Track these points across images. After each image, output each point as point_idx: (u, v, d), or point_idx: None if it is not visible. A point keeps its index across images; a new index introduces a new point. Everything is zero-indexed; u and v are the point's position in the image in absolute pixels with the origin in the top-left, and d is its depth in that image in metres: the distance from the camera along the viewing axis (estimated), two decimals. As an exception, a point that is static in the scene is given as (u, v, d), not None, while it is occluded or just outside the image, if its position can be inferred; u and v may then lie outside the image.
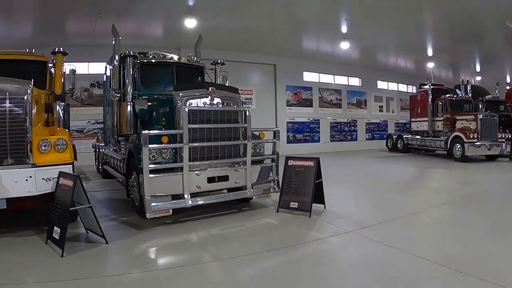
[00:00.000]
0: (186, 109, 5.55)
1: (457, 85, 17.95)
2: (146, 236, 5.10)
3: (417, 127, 18.05)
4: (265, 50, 17.83)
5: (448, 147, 15.13)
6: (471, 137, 14.01)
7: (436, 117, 16.41)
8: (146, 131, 5.30)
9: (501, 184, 9.54)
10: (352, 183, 10.05)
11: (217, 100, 6.04)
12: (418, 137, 17.76)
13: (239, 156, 6.28)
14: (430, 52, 17.98)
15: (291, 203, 6.08)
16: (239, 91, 6.81)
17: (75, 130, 13.86)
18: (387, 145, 20.48)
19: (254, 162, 6.53)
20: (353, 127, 21.76)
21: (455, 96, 16.58)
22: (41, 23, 12.59)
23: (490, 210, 6.51)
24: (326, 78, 21.24)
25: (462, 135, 14.31)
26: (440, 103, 16.18)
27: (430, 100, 16.57)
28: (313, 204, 5.92)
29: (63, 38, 13.29)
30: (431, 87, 16.87)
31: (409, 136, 18.56)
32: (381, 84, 23.39)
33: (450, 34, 15.56)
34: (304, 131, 20.38)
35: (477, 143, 13.97)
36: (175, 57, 8.11)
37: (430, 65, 19.34)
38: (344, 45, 16.27)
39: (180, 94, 5.88)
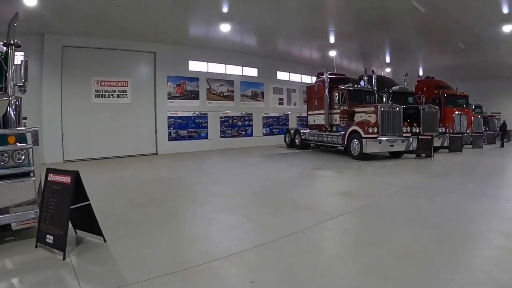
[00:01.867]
0: None
1: (362, 76, 16.49)
2: None
3: (314, 121, 16.29)
4: (143, 36, 15.20)
5: (346, 143, 13.40)
6: (369, 131, 12.26)
7: (333, 109, 14.72)
8: None
9: (395, 197, 7.05)
10: (193, 194, 7.51)
11: None
12: (315, 132, 16.10)
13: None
14: (332, 39, 16.33)
15: (47, 236, 3.95)
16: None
17: None
18: (285, 141, 18.81)
19: (6, 177, 4.12)
20: (247, 122, 19.60)
21: (355, 86, 14.87)
22: None
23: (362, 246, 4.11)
24: (216, 68, 18.50)
25: (359, 130, 12.51)
26: (337, 93, 14.39)
27: (327, 90, 14.81)
28: (94, 235, 4.20)
29: None
30: (329, 76, 15.08)
31: (307, 131, 16.83)
32: (282, 75, 21.50)
33: (355, 19, 13.79)
34: (188, 127, 17.93)
35: (378, 139, 12.33)
36: None
37: (332, 53, 17.88)
38: (224, 27, 14.21)
39: None
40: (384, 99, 15.58)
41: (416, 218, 5.28)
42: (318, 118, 15.85)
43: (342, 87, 14.53)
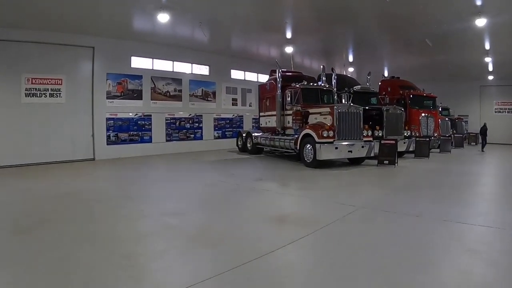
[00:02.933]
0: None
1: (320, 74, 14.95)
2: None
3: (266, 123, 14.16)
4: (79, 28, 13.00)
5: (298, 148, 11.31)
6: (324, 135, 10.21)
7: (286, 110, 12.71)
8: None
9: (345, 225, 5.05)
10: (93, 216, 5.21)
11: None
12: (267, 135, 13.91)
13: None
14: (288, 34, 14.31)
15: None
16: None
17: None
18: (237, 145, 16.67)
19: None
20: (197, 124, 17.31)
21: (312, 84, 12.73)
22: None
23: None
24: (163, 65, 16.23)
25: (313, 133, 10.43)
26: (289, 93, 12.30)
27: (279, 89, 12.69)
28: None
29: None
30: (283, 73, 13.03)
31: (260, 134, 14.65)
32: (236, 74, 19.30)
33: (314, 11, 11.84)
34: (130, 130, 15.52)
35: (334, 143, 10.31)
36: None
37: (289, 49, 15.70)
38: (163, 17, 11.97)
39: None
40: (344, 100, 13.67)
41: (369, 262, 3.25)
42: (270, 120, 13.72)
43: (295, 85, 12.40)
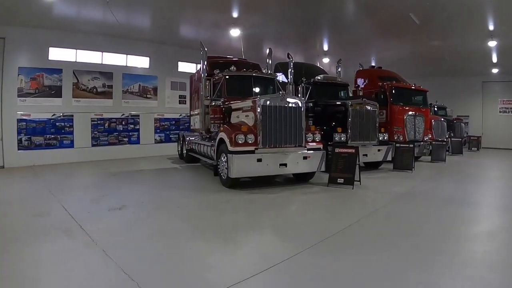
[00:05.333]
0: None
1: (279, 63, 11.09)
2: None
3: (194, 124, 10.50)
4: None
5: (216, 158, 7.40)
6: (239, 141, 6.39)
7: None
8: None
9: None
10: None
11: None
12: (195, 139, 10.27)
13: None
14: (235, 13, 10.45)
15: None
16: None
17: None
18: (177, 150, 12.84)
19: None
20: (132, 126, 13.49)
21: (245, 70, 8.60)
22: None
23: None
24: (89, 56, 12.56)
25: (226, 138, 6.66)
26: (210, 83, 8.38)
27: (204, 80, 8.48)
28: None
29: None
30: (211, 59, 9.33)
31: (193, 138, 10.71)
32: (186, 66, 15.16)
33: None
34: (47, 133, 11.98)
35: (256, 153, 6.46)
36: None
37: (235, 32, 11.73)
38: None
39: None
40: (300, 93, 9.69)
41: None
42: (197, 120, 9.72)
43: (218, 73, 8.43)
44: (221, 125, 7.60)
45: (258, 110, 6.56)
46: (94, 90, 12.90)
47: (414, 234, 4.18)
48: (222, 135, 6.84)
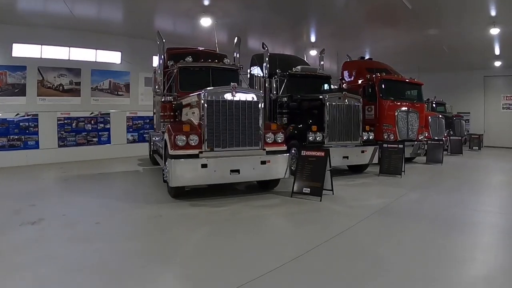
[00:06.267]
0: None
1: (256, 55, 9.94)
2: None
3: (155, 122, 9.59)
4: None
5: (164, 162, 6.06)
6: (179, 143, 5.04)
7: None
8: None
9: None
10: None
11: None
12: (157, 139, 9.30)
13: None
14: (206, 1, 9.36)
15: None
16: None
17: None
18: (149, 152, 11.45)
19: None
20: (102, 125, 12.12)
21: (203, 61, 7.33)
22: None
23: None
24: (55, 53, 11.36)
25: (167, 141, 5.38)
26: (163, 76, 6.93)
27: (161, 73, 6.89)
28: None
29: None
30: (172, 50, 8.19)
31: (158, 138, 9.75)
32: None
33: None
34: (10, 133, 10.86)
35: (201, 157, 5.12)
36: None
37: (206, 21, 10.25)
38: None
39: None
40: (273, 87, 8.32)
41: None
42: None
43: (172, 65, 7.13)
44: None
45: (202, 107, 5.18)
46: (61, 87, 11.67)
47: (377, 276, 2.78)
48: (166, 136, 5.49)
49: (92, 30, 11.62)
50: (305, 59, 12.35)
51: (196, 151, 5.11)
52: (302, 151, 5.72)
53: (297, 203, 5.29)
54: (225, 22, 10.83)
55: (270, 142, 5.66)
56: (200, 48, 9.16)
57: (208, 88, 5.47)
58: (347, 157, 7.47)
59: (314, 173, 5.47)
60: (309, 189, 5.44)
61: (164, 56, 7.30)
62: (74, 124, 11.82)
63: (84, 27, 11.22)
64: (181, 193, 5.49)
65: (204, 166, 5.09)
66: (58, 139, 11.55)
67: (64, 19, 10.33)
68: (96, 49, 12.25)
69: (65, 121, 11.70)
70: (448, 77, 17.74)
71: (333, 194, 5.69)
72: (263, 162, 5.48)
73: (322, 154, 5.49)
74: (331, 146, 7.25)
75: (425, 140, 10.73)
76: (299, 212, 4.86)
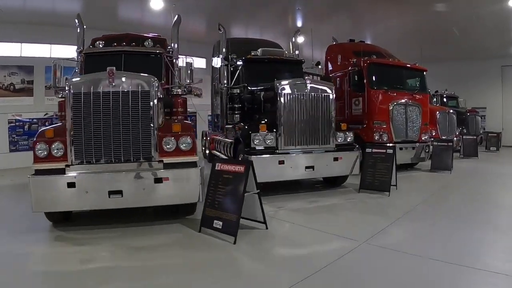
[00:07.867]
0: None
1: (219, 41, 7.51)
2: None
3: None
4: None
5: None
6: (40, 155, 3.33)
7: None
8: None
9: None
10: None
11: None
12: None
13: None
14: None
15: None
16: None
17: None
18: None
19: None
20: (59, 127, 10.97)
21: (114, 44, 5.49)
22: None
23: None
24: (4, 49, 9.99)
25: None
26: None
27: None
28: None
29: None
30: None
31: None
32: None
33: None
34: None
35: (68, 173, 3.25)
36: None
37: (157, 4, 8.71)
38: None
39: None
40: (223, 76, 6.21)
41: None
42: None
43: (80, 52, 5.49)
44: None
45: (68, 101, 3.21)
46: (12, 87, 10.22)
47: None
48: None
49: (46, 24, 10.03)
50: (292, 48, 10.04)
51: (62, 165, 3.12)
52: (217, 164, 3.52)
53: (201, 246, 3.11)
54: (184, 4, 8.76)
55: (169, 150, 3.52)
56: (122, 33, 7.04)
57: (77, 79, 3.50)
58: (311, 168, 5.19)
59: (228, 198, 3.28)
60: (220, 223, 3.25)
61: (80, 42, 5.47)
62: (26, 127, 10.20)
63: (37, 21, 9.77)
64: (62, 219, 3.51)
65: (70, 185, 3.15)
66: (9, 143, 10.02)
67: (15, 13, 8.85)
68: (51, 44, 10.58)
69: (17, 124, 10.16)
70: (460, 67, 14.89)
71: (266, 228, 3.48)
72: (158, 181, 3.35)
73: (242, 168, 3.27)
74: (288, 152, 5.04)
75: (430, 141, 8.23)
76: (198, 267, 2.69)
